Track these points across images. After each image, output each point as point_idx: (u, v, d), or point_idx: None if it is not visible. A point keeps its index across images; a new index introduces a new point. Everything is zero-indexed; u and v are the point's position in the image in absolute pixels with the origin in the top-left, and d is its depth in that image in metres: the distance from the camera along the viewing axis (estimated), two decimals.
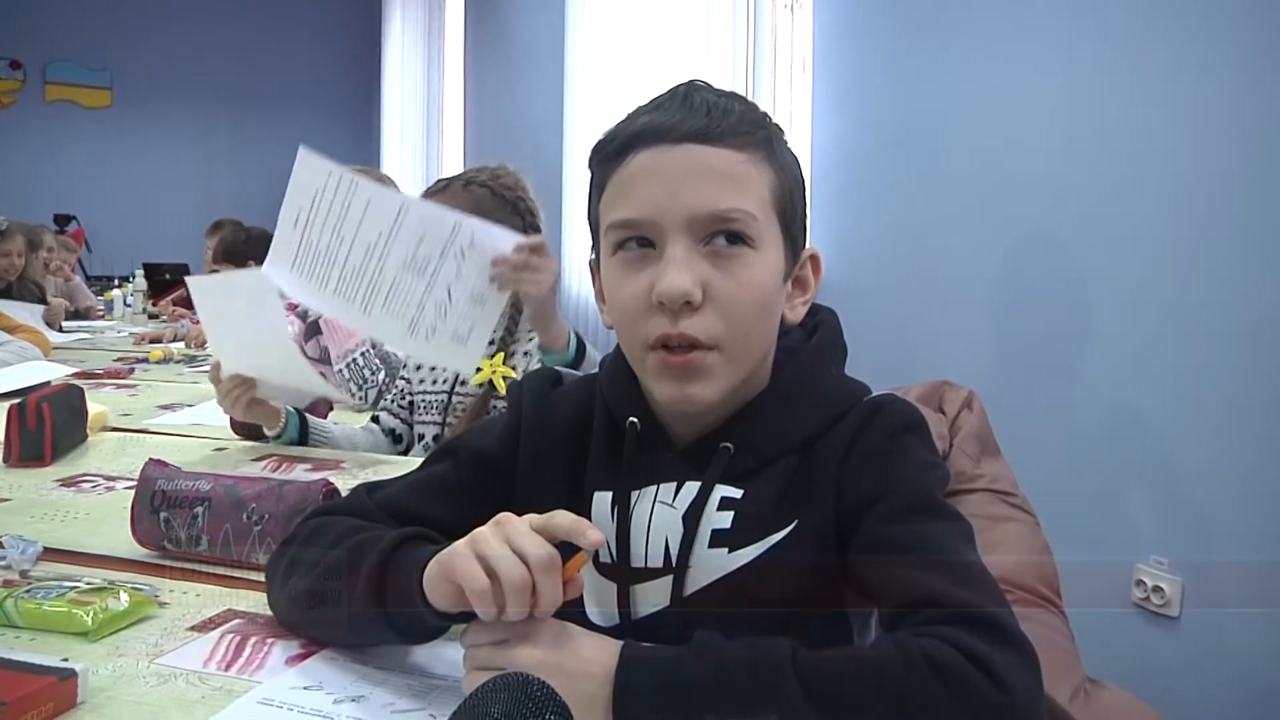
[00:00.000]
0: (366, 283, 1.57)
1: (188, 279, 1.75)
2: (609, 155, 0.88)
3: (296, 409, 1.83)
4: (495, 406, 1.85)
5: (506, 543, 0.72)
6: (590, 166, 0.92)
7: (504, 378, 1.83)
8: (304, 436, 1.82)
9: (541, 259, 1.60)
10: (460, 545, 0.75)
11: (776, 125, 0.90)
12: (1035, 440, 2.27)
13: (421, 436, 1.97)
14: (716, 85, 0.90)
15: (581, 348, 1.67)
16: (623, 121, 0.89)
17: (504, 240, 1.60)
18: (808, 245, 0.94)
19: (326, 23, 8.50)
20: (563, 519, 0.75)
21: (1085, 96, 2.29)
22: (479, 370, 1.89)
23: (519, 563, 0.71)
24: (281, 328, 1.70)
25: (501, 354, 1.87)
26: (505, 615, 0.72)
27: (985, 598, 0.72)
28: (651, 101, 0.89)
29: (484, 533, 0.74)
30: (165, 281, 5.68)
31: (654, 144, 0.85)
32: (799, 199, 0.90)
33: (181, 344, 3.64)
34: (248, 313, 1.68)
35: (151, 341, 3.71)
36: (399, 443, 1.98)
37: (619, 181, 0.87)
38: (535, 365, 1.83)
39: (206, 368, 2.98)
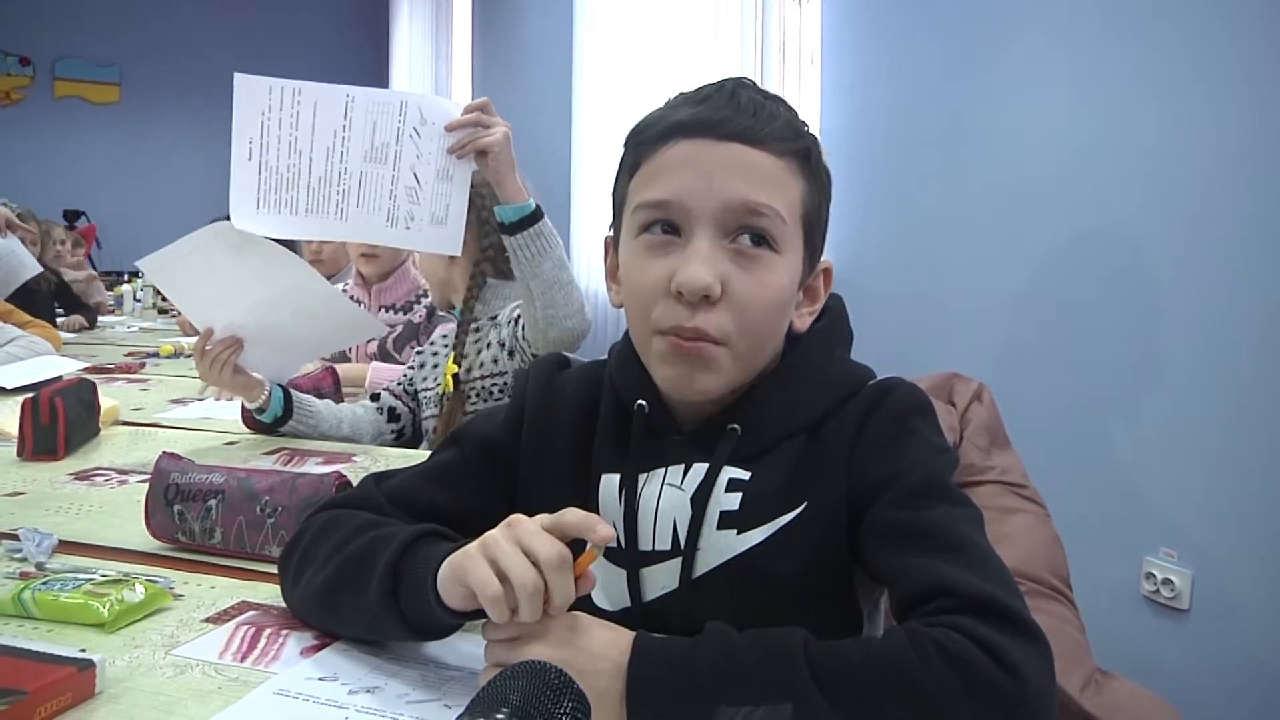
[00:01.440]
0: (336, 188, 1.59)
1: (139, 263, 1.69)
2: (649, 138, 0.88)
3: (280, 384, 1.83)
4: (475, 380, 1.86)
5: (518, 545, 0.73)
6: (626, 145, 0.92)
7: (452, 375, 1.87)
8: (288, 410, 1.83)
9: (490, 115, 1.63)
10: (472, 548, 0.75)
11: (814, 136, 0.90)
12: (1045, 432, 2.26)
13: (426, 431, 1.99)
14: (758, 86, 0.90)
15: (540, 209, 1.67)
16: (665, 107, 0.89)
17: (452, 109, 1.63)
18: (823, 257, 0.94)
19: (335, 18, 8.51)
20: (573, 516, 0.75)
21: (1094, 90, 2.28)
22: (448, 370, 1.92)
23: (530, 566, 0.71)
24: (278, 253, 1.67)
25: (454, 354, 1.90)
26: (518, 617, 0.72)
27: (997, 585, 0.72)
28: (696, 91, 0.89)
29: (495, 536, 0.74)
30: None
31: (697, 135, 0.85)
32: (825, 212, 0.91)
33: (190, 339, 3.66)
34: (229, 263, 1.64)
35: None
36: (396, 420, 2.00)
37: (655, 165, 0.87)
38: (508, 331, 1.84)
39: None
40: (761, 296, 0.84)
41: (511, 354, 1.84)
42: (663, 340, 0.85)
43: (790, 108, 0.89)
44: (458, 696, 0.78)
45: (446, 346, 2.03)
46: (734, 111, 0.85)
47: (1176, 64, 2.09)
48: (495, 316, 1.92)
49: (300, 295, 1.72)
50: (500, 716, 0.53)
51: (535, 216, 1.65)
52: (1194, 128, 2.05)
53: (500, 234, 1.67)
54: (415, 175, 1.60)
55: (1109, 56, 2.25)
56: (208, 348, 1.73)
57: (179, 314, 4.24)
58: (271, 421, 1.82)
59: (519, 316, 1.83)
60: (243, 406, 1.85)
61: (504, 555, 0.72)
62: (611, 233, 0.95)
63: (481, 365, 1.88)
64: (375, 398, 2.02)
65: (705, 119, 0.85)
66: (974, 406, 1.22)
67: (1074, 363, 2.34)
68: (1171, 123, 2.10)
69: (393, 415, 1.99)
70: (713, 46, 3.59)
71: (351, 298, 2.77)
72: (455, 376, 1.89)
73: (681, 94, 0.90)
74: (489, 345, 1.88)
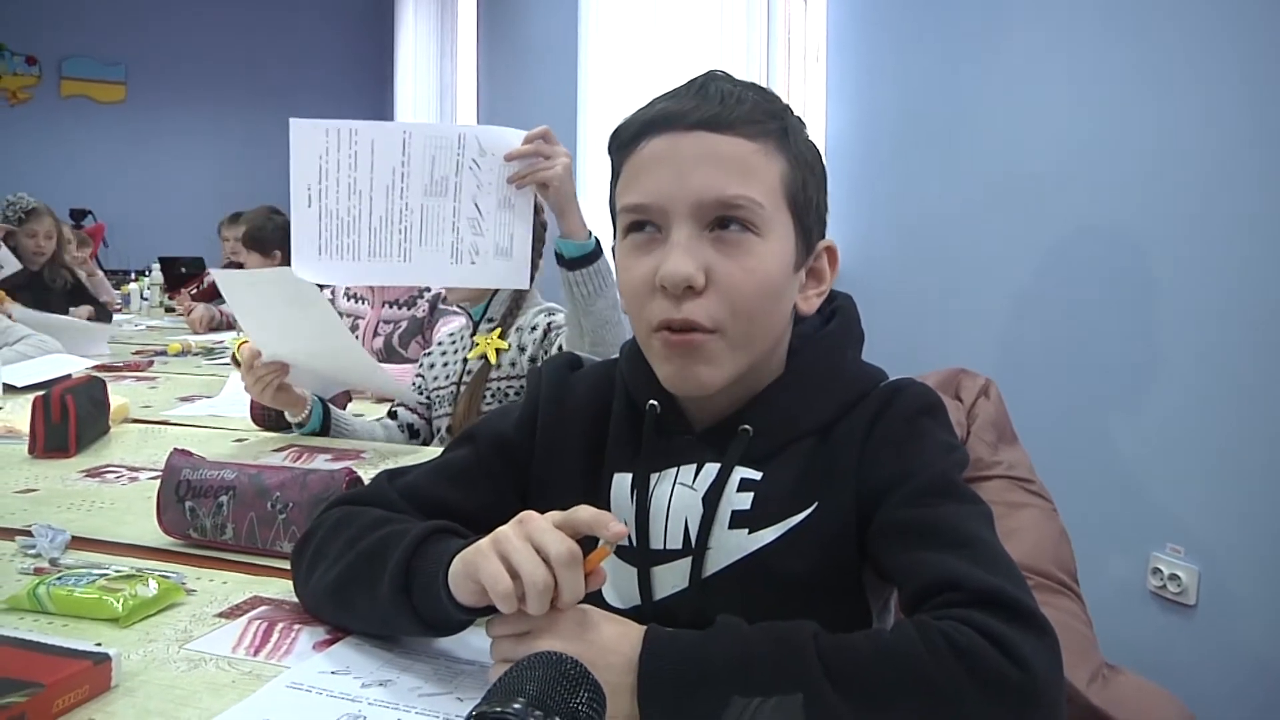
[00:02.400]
0: (398, 227, 1.59)
1: (213, 271, 1.75)
2: (624, 141, 0.90)
3: (321, 398, 1.84)
4: (492, 381, 1.86)
5: (529, 541, 0.73)
6: (608, 152, 0.93)
7: (497, 350, 1.86)
8: (325, 427, 1.84)
9: (551, 145, 1.61)
10: (484, 544, 0.76)
11: (796, 117, 0.91)
12: (1051, 429, 2.27)
13: (439, 429, 1.99)
14: (733, 76, 0.91)
15: (600, 245, 1.66)
16: (639, 109, 0.90)
17: (511, 137, 1.62)
18: (825, 237, 0.94)
19: (340, 15, 8.52)
20: (585, 513, 0.75)
21: (1098, 89, 2.28)
22: (475, 345, 1.91)
23: (541, 563, 0.72)
24: (331, 319, 1.70)
25: (499, 329, 1.90)
26: (527, 609, 0.73)
27: (1005, 579, 0.73)
28: (669, 90, 0.90)
29: (506, 532, 0.75)
30: (181, 275, 5.71)
31: (666, 130, 0.86)
32: (814, 190, 0.90)
33: (198, 337, 3.68)
34: (286, 306, 1.67)
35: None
36: (415, 438, 2.00)
37: (631, 167, 0.88)
38: (532, 338, 1.85)
39: (225, 360, 3.03)
40: (748, 281, 0.84)
41: (534, 360, 1.84)
42: (658, 338, 0.86)
43: (764, 92, 0.90)
44: (470, 690, 0.79)
45: (454, 344, 2.03)
46: (701, 101, 0.86)
47: (1179, 62, 2.09)
48: (518, 324, 1.92)
49: (342, 353, 1.77)
50: (517, 706, 0.53)
51: (595, 254, 1.64)
52: (1196, 126, 2.05)
53: (558, 267, 1.65)
54: (477, 206, 1.59)
55: (1112, 55, 2.25)
56: (256, 364, 1.74)
57: (187, 313, 4.26)
58: (309, 434, 1.83)
59: (549, 326, 1.84)
60: (251, 403, 1.86)
61: (515, 551, 0.73)
62: (614, 242, 0.96)
63: (499, 367, 1.88)
64: (393, 415, 2.02)
65: (673, 112, 0.86)
66: (981, 402, 1.22)
67: (1079, 359, 2.34)
68: (1174, 121, 2.10)
69: (413, 432, 2.00)
70: (718, 46, 3.59)
71: (355, 295, 2.78)
72: (482, 365, 1.89)
73: (657, 95, 0.91)
74: (509, 348, 1.88)
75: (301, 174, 1.56)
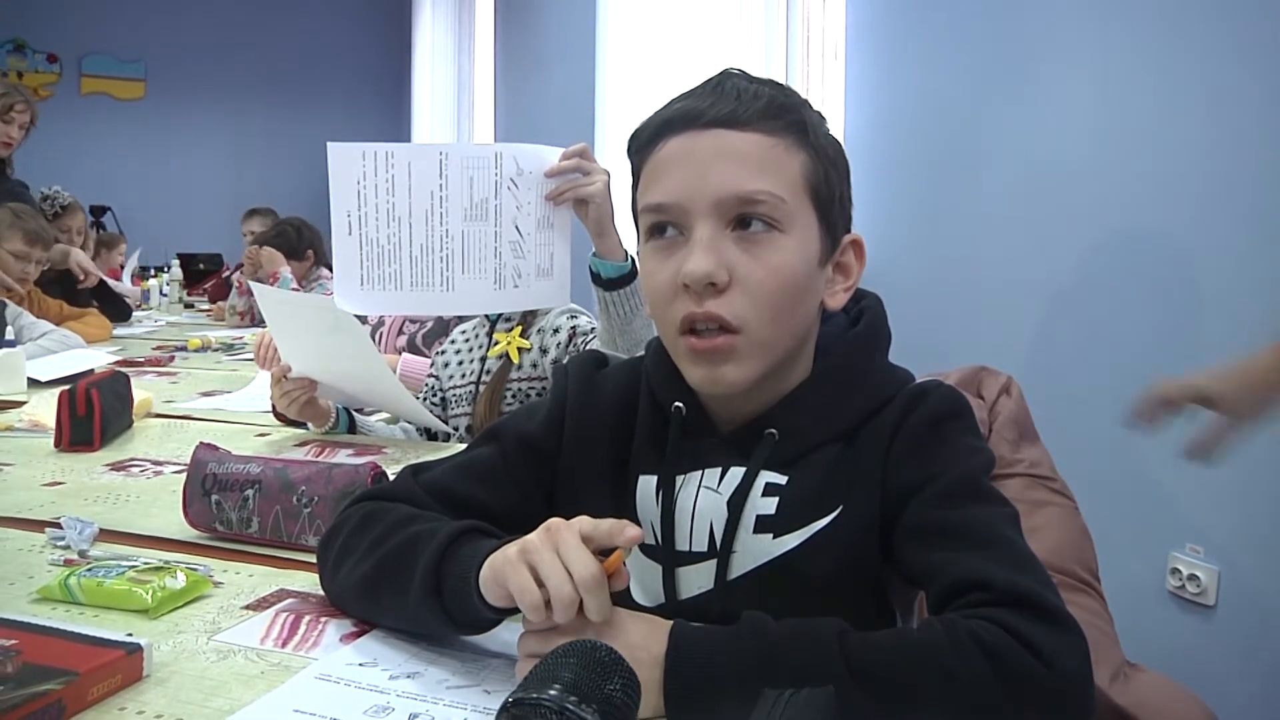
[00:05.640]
0: (439, 254, 1.58)
1: (254, 285, 1.75)
2: (642, 143, 0.90)
3: (345, 408, 1.85)
4: (512, 381, 1.87)
5: (556, 554, 0.74)
6: (628, 156, 0.93)
7: (519, 349, 1.86)
8: (351, 430, 1.86)
9: (590, 162, 1.60)
10: (512, 554, 0.76)
11: (815, 111, 0.91)
12: (1074, 427, 2.26)
13: (456, 429, 1.99)
14: (750, 74, 0.91)
15: (635, 267, 1.63)
16: (657, 110, 0.91)
17: (549, 155, 1.61)
18: (850, 231, 0.94)
19: (357, 13, 8.54)
20: (604, 526, 0.76)
21: (1121, 86, 2.27)
22: (496, 344, 1.91)
23: (568, 579, 0.72)
24: (366, 346, 1.70)
25: (520, 327, 1.90)
26: (554, 619, 0.73)
27: (1033, 580, 0.73)
28: (686, 90, 0.91)
29: (535, 543, 0.75)
30: (200, 271, 5.74)
31: (683, 130, 0.86)
32: (837, 184, 0.90)
33: (218, 332, 3.70)
34: (322, 331, 1.68)
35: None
36: (434, 440, 2.01)
37: (651, 168, 0.89)
38: (554, 341, 1.85)
39: (245, 356, 3.05)
40: (771, 279, 0.84)
41: (555, 363, 1.84)
42: (684, 341, 0.86)
43: (781, 88, 0.90)
44: (497, 683, 0.79)
45: (468, 343, 2.03)
46: (718, 99, 0.86)
47: (1221, 58, 2.06)
48: (540, 325, 1.93)
49: (373, 379, 1.78)
50: (553, 693, 0.54)
51: (632, 274, 1.62)
52: (1227, 124, 2.03)
53: (594, 285, 1.64)
54: (517, 228, 1.59)
55: (1140, 53, 2.23)
56: (285, 378, 1.75)
57: (209, 309, 4.28)
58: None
59: (573, 331, 1.84)
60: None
61: (543, 564, 0.73)
62: (638, 245, 0.96)
63: (520, 368, 1.88)
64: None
65: (690, 111, 0.86)
66: (1002, 400, 1.22)
67: (1104, 358, 2.33)
68: (1205, 119, 2.08)
69: (430, 435, 2.01)
70: (736, 43, 3.59)
71: None
72: (503, 363, 1.90)
73: (674, 96, 0.91)
74: (531, 348, 1.89)
75: (341, 200, 1.55)
